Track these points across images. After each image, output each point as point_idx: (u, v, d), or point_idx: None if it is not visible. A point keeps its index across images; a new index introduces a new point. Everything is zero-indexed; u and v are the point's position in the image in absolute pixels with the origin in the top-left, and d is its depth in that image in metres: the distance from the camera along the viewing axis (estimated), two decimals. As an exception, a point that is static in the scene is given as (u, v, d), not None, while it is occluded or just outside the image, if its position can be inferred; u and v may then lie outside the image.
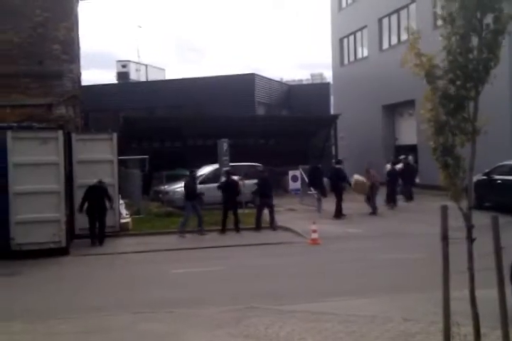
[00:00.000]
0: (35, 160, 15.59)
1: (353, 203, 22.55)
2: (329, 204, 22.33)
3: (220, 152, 23.24)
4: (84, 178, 17.56)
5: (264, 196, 19.92)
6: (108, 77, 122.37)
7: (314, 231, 16.40)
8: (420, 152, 30.80)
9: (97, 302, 10.61)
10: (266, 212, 19.88)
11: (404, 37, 33.02)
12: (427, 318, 8.10)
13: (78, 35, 23.38)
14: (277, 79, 50.65)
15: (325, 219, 20.75)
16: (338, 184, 22.17)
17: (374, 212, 22.08)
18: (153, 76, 50.52)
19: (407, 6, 33.20)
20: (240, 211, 21.51)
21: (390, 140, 36.48)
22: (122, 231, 18.84)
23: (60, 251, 15.65)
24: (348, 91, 39.81)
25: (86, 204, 17.14)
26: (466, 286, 5.74)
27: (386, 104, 35.75)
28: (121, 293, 11.50)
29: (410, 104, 31.28)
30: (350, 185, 22.55)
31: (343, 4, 42.04)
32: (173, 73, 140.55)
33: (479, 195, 19.61)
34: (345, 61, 42.33)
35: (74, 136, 18.07)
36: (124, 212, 20.00)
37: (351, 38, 41.23)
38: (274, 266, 13.58)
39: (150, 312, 9.55)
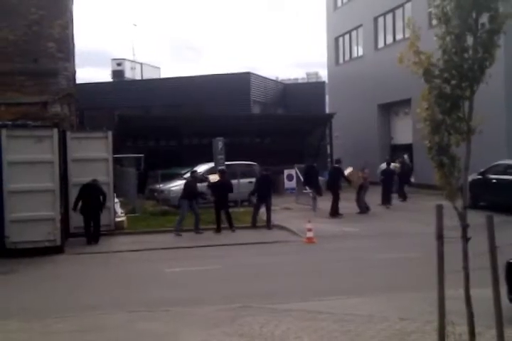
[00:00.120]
0: (30, 158, 15.55)
1: (350, 202, 22.55)
2: (325, 203, 22.34)
3: (216, 151, 23.25)
4: (79, 177, 17.52)
5: (263, 194, 19.92)
6: (103, 75, 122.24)
7: (310, 230, 16.41)
8: (415, 151, 30.84)
9: (93, 300, 10.61)
10: (262, 210, 19.89)
11: (399, 36, 33.10)
12: (423, 317, 8.12)
13: (73, 33, 23.34)
14: (273, 78, 50.70)
15: (320, 218, 20.77)
16: (336, 183, 22.19)
17: (362, 211, 22.08)
18: (149, 74, 50.49)
19: (402, 5, 33.24)
20: (235, 209, 21.55)
21: (386, 139, 36.51)
22: (117, 229, 18.81)
23: (55, 250, 15.62)
24: (344, 90, 39.83)
25: (80, 203, 17.11)
26: (461, 285, 5.75)
27: (381, 103, 35.79)
28: (116, 291, 11.49)
29: (406, 103, 31.32)
30: (345, 178, 22.57)
31: (339, 3, 42.06)
32: (168, 72, 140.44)
33: (474, 194, 19.64)
34: (341, 60, 42.34)
35: (69, 135, 18.03)
36: (119, 210, 19.97)
37: (346, 37, 41.25)
38: (270, 265, 13.58)
39: (145, 311, 9.55)
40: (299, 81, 56.39)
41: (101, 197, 17.29)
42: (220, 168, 21.78)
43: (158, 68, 56.22)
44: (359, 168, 23.29)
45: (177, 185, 23.80)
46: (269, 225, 19.43)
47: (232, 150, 26.08)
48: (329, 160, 36.06)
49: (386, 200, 24.38)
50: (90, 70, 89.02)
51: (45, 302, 10.74)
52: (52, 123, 18.76)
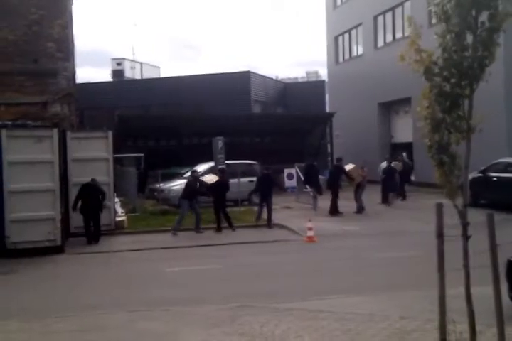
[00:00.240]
0: (30, 158, 15.55)
1: (349, 201, 22.54)
2: (325, 202, 22.34)
3: (216, 150, 23.24)
4: (79, 176, 17.50)
5: (264, 193, 19.93)
6: (102, 74, 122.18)
7: (310, 228, 16.41)
8: (416, 150, 30.83)
9: (93, 300, 10.60)
10: (263, 209, 19.90)
11: (399, 35, 33.09)
12: (423, 316, 8.12)
13: (73, 32, 23.35)
14: (273, 77, 50.63)
15: (321, 217, 20.78)
16: (336, 181, 22.20)
17: (359, 211, 22.06)
18: (148, 74, 50.49)
19: (402, 4, 33.22)
20: (235, 209, 21.54)
21: (386, 138, 36.50)
22: (118, 229, 18.82)
23: (56, 250, 15.62)
24: (344, 89, 39.82)
25: (80, 203, 17.11)
26: (462, 284, 5.74)
27: (382, 101, 35.77)
28: (116, 291, 11.49)
29: (406, 101, 31.31)
30: (347, 176, 22.57)
31: (338, 2, 42.04)
32: (168, 71, 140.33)
33: (475, 192, 19.62)
34: (341, 59, 42.32)
35: (69, 134, 18.03)
36: (119, 210, 19.98)
37: (346, 35, 41.23)
38: (271, 264, 13.58)
39: (146, 311, 9.54)
40: (299, 80, 56.30)
41: (100, 197, 17.30)
42: (219, 167, 21.77)
43: (158, 67, 56.24)
44: (359, 166, 23.28)
45: (177, 184, 23.81)
46: (269, 224, 19.42)
47: (232, 149, 26.08)
48: (329, 159, 36.04)
49: (386, 199, 24.39)
50: (90, 70, 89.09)
51: (45, 302, 10.73)
52: (52, 123, 18.77)
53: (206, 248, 16.35)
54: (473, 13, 5.54)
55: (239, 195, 22.71)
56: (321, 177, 25.09)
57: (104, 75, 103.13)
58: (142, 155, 25.94)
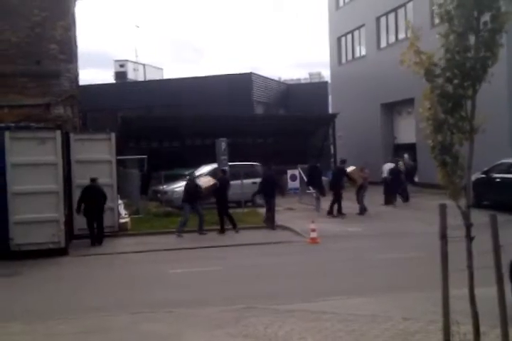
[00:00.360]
0: (34, 160, 15.57)
1: (352, 202, 22.52)
2: (328, 203, 22.30)
3: (219, 151, 23.24)
4: (82, 178, 17.50)
5: (266, 194, 19.96)
6: (105, 76, 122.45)
7: (313, 230, 16.40)
8: (419, 150, 30.80)
9: (97, 302, 10.61)
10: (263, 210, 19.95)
11: (401, 35, 33.08)
12: (427, 317, 8.10)
13: (75, 34, 23.36)
14: (275, 78, 50.71)
15: (324, 218, 20.79)
16: (338, 183, 22.19)
17: (362, 212, 22.04)
18: (151, 75, 50.51)
19: (404, 5, 33.21)
20: (239, 210, 21.53)
21: (389, 139, 36.49)
22: (121, 231, 18.84)
23: (59, 252, 15.63)
24: (346, 90, 39.82)
25: (83, 205, 17.13)
26: (466, 285, 5.74)
27: (384, 102, 35.76)
28: (120, 293, 11.49)
29: (409, 102, 31.30)
30: (349, 178, 22.56)
31: (341, 3, 42.03)
32: (171, 73, 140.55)
33: (478, 193, 19.59)
34: (343, 60, 42.32)
35: (72, 136, 18.06)
36: (122, 212, 19.99)
37: (349, 36, 41.22)
38: (274, 266, 13.57)
39: (149, 312, 9.54)
40: (302, 81, 56.48)
41: (102, 198, 17.33)
42: (221, 168, 21.77)
43: (161, 69, 56.29)
44: (359, 168, 23.26)
45: (180, 186, 23.77)
46: (272, 225, 19.42)
47: (235, 150, 26.07)
48: (332, 160, 36.04)
49: (393, 199, 24.42)
50: (92, 72, 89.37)
51: (49, 304, 10.74)
52: (55, 125, 18.80)
53: (209, 249, 16.36)
54: (476, 14, 5.54)
55: (242, 197, 22.71)
56: (324, 178, 25.08)
57: (107, 77, 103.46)
58: (145, 156, 25.96)
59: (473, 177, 15.55)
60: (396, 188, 24.79)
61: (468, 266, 5.71)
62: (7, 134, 15.51)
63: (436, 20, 6.05)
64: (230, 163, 23.44)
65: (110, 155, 18.35)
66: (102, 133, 19.05)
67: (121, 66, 49.23)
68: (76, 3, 23.91)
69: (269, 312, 9.10)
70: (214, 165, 24.44)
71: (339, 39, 42.41)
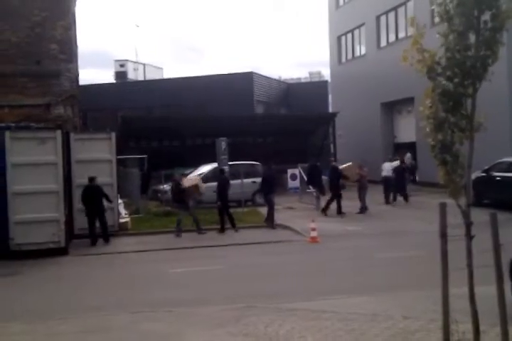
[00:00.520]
0: (34, 160, 15.59)
1: (351, 201, 22.52)
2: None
3: (219, 151, 23.23)
4: (82, 178, 17.51)
5: (264, 193, 19.97)
6: (105, 76, 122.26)
7: (313, 229, 16.40)
8: (419, 149, 30.79)
9: (97, 302, 10.61)
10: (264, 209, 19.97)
11: (402, 34, 33.07)
12: (426, 316, 8.10)
13: (76, 34, 23.35)
14: (276, 77, 50.65)
15: (324, 217, 20.80)
16: (334, 182, 22.21)
17: (362, 211, 22.04)
18: (152, 75, 50.49)
19: (404, 4, 33.20)
20: (239, 209, 21.53)
21: (389, 137, 36.47)
22: (121, 230, 18.84)
23: (60, 251, 15.64)
24: (346, 89, 39.81)
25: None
26: (465, 283, 5.74)
27: (384, 101, 35.74)
28: (120, 292, 11.50)
29: (409, 101, 31.28)
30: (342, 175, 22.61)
31: (341, 2, 42.01)
32: (171, 72, 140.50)
33: (478, 192, 19.57)
34: (343, 59, 42.30)
35: (72, 136, 18.07)
36: (123, 211, 19.99)
37: (349, 35, 41.20)
38: (274, 265, 13.57)
39: (149, 312, 9.55)
40: (302, 80, 56.34)
41: (103, 197, 17.37)
42: (221, 167, 21.77)
43: (161, 69, 56.25)
44: (356, 165, 23.23)
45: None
46: (272, 224, 19.43)
47: (236, 150, 26.05)
48: (332, 159, 36.03)
49: (394, 197, 24.47)
50: (92, 71, 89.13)
51: (49, 303, 10.75)
52: (55, 124, 18.80)
53: (209, 249, 16.36)
54: (476, 12, 5.54)
55: (242, 196, 22.71)
56: (324, 177, 25.06)
57: (107, 77, 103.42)
58: (145, 156, 25.95)
59: (474, 176, 15.53)
60: (402, 186, 24.78)
61: (468, 265, 5.71)
62: (7, 134, 15.53)
63: (437, 19, 6.03)
64: (230, 163, 23.43)
65: (110, 155, 18.36)
66: (102, 133, 19.06)
67: (122, 66, 49.22)
68: (76, 3, 23.91)
69: (269, 311, 9.10)
70: (214, 165, 24.43)
71: (339, 38, 42.39)
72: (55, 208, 15.74)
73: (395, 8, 34.49)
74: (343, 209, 21.67)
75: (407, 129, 33.64)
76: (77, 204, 17.63)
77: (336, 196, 21.77)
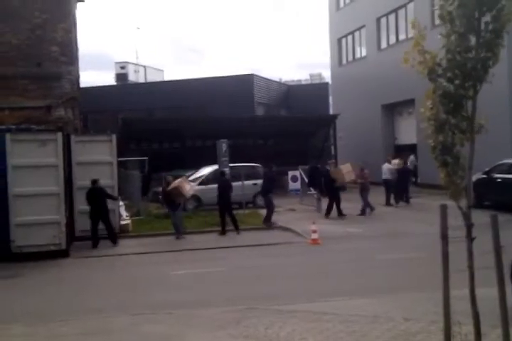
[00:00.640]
0: (35, 162, 15.59)
1: (352, 203, 22.52)
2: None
3: (220, 153, 23.20)
4: (83, 180, 17.50)
5: (263, 194, 20.02)
6: (105, 78, 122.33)
7: (314, 231, 16.40)
8: (420, 151, 30.79)
9: (98, 304, 10.61)
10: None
11: (402, 36, 33.09)
12: (428, 317, 8.10)
13: (76, 36, 23.37)
14: (276, 79, 50.71)
15: (325, 219, 20.81)
16: (327, 185, 22.25)
17: (362, 213, 22.02)
18: (152, 77, 50.56)
19: (405, 6, 33.19)
20: (240, 211, 21.53)
21: (390, 139, 36.46)
22: (122, 232, 18.83)
23: (61, 253, 15.64)
24: (347, 91, 39.81)
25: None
26: (466, 285, 5.73)
27: (385, 103, 35.74)
28: (121, 294, 11.50)
29: (410, 103, 31.28)
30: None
31: (341, 4, 42.03)
32: (171, 74, 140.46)
33: (479, 193, 19.58)
34: (344, 61, 42.31)
35: (73, 138, 18.06)
36: (124, 213, 19.99)
37: (349, 37, 41.23)
38: (275, 267, 13.57)
39: (150, 314, 9.55)
40: (303, 82, 56.41)
41: (107, 198, 17.40)
42: (222, 169, 21.78)
43: (162, 71, 56.34)
44: (359, 166, 23.18)
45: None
46: (269, 224, 19.57)
47: (236, 152, 26.03)
48: (334, 160, 36.00)
49: (401, 198, 24.43)
50: (93, 73, 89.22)
51: (50, 305, 10.74)
52: (56, 127, 18.78)
53: (210, 251, 16.35)
54: (477, 14, 5.54)
55: (243, 198, 22.72)
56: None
57: (107, 79, 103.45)
58: (146, 158, 25.95)
59: (474, 178, 15.55)
60: (404, 188, 24.77)
61: (469, 267, 5.71)
62: (8, 136, 15.54)
63: (437, 21, 6.03)
64: (231, 165, 23.42)
65: (111, 157, 18.35)
66: (103, 135, 19.06)
67: (122, 68, 49.30)
68: (77, 5, 23.93)
69: (270, 313, 9.10)
70: (215, 167, 24.43)
71: (340, 40, 42.41)
72: (55, 210, 15.73)
73: (395, 10, 34.50)
74: (344, 211, 21.65)
75: (407, 131, 33.63)
76: (78, 206, 17.64)
77: (333, 198, 21.76)
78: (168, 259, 15.35)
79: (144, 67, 51.95)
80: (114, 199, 17.78)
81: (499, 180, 21.07)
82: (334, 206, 21.74)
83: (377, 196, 23.62)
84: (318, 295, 10.42)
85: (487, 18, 5.55)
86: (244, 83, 41.02)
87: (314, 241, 16.32)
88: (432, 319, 7.83)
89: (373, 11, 36.42)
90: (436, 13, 5.80)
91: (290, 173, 26.87)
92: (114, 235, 17.58)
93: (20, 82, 20.23)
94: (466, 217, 5.71)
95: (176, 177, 20.29)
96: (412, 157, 30.69)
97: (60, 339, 8.40)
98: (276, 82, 48.97)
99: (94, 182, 17.20)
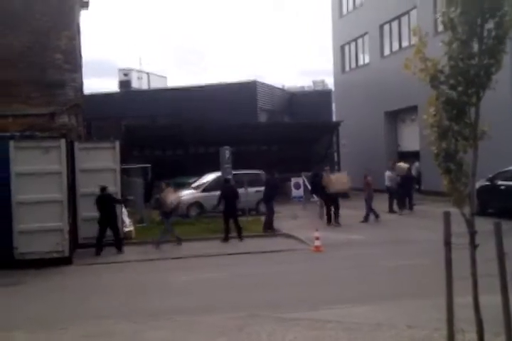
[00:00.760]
0: (38, 169, 15.60)
1: (355, 210, 22.49)
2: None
3: (222, 160, 23.23)
4: (87, 187, 17.52)
5: (265, 201, 20.03)
6: (108, 85, 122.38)
7: (317, 238, 16.36)
8: (423, 158, 30.75)
9: (100, 311, 10.59)
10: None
11: (405, 43, 33.11)
12: (431, 325, 8.06)
13: (80, 44, 23.44)
14: (279, 86, 50.70)
15: (328, 226, 20.79)
16: (319, 192, 22.31)
17: (365, 220, 21.98)
18: (155, 84, 50.62)
19: (408, 12, 33.23)
20: (243, 218, 21.51)
21: (393, 146, 36.42)
22: (125, 239, 18.80)
23: (64, 261, 15.62)
24: (350, 98, 39.82)
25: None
26: (470, 292, 5.72)
27: (388, 110, 35.73)
28: (124, 301, 11.47)
29: (412, 110, 31.26)
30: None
31: (344, 11, 42.11)
32: (174, 81, 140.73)
33: (482, 200, 19.53)
34: (347, 68, 42.34)
35: (76, 145, 18.07)
36: (127, 220, 19.99)
37: (352, 44, 41.27)
38: (278, 274, 13.54)
39: (153, 320, 9.53)
40: (306, 89, 56.36)
41: (116, 204, 17.52)
42: (226, 177, 21.79)
43: (165, 77, 56.42)
44: (363, 174, 23.14)
45: (184, 194, 23.79)
46: (265, 228, 19.59)
47: (239, 158, 26.08)
48: (336, 167, 36.00)
49: (404, 205, 24.40)
50: (96, 80, 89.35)
51: (53, 313, 10.72)
52: (59, 134, 18.82)
53: (213, 258, 16.32)
54: (479, 21, 5.54)
55: (246, 205, 22.70)
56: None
57: (110, 85, 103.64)
58: (149, 165, 25.95)
59: (478, 185, 15.52)
60: (408, 195, 24.73)
61: (473, 274, 5.69)
62: (11, 143, 15.56)
63: (440, 28, 6.04)
64: (234, 172, 23.43)
65: (114, 164, 18.34)
66: (106, 142, 19.05)
67: (125, 75, 49.34)
68: (80, 13, 24.02)
69: (272, 321, 9.07)
70: (218, 174, 24.44)
71: (342, 47, 42.47)
72: (59, 217, 15.73)
73: (398, 17, 34.54)
74: (347, 219, 21.60)
75: (410, 138, 33.60)
76: (82, 213, 17.64)
77: (328, 205, 21.75)
78: (171, 266, 15.33)
79: (148, 73, 52.01)
80: (121, 203, 17.85)
81: (503, 187, 21.02)
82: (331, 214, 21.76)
83: (380, 203, 23.58)
84: (321, 302, 10.39)
85: (490, 24, 5.56)
86: (248, 90, 41.08)
87: (317, 248, 16.28)
88: (435, 326, 7.79)
89: (376, 18, 36.47)
90: (440, 19, 5.80)
91: (293, 180, 26.85)
92: (121, 242, 17.56)
93: (24, 90, 20.29)
94: (470, 224, 5.71)
95: (168, 184, 20.35)
96: (417, 164, 30.64)
97: (63, 347, 8.38)
98: (279, 88, 49.00)
99: (103, 189, 17.22)
